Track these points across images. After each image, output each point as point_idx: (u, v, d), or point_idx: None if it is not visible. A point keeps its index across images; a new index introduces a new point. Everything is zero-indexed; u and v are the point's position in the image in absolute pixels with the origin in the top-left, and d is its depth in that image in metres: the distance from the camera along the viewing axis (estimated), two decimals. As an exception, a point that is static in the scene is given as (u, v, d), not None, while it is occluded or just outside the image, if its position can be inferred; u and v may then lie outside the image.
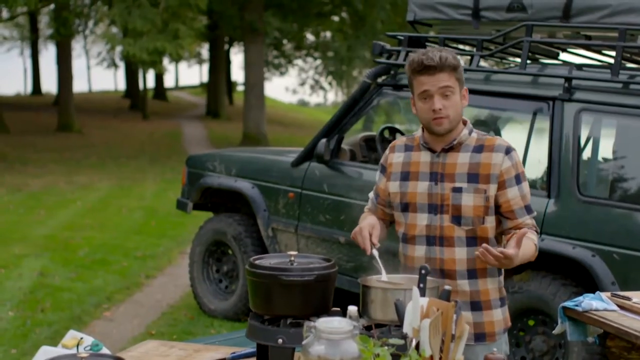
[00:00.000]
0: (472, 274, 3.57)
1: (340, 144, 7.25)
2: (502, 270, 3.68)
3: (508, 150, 3.56)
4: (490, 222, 3.57)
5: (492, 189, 3.53)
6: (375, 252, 3.50)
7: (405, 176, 3.66)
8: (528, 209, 3.61)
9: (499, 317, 3.66)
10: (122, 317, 8.39)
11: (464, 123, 3.64)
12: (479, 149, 3.58)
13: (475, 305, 3.60)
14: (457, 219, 3.54)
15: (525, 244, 3.43)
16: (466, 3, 6.62)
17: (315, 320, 2.73)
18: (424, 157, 3.64)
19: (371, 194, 3.86)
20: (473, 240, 3.55)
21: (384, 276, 3.43)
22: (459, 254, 3.57)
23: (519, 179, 3.59)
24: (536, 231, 3.63)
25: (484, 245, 3.34)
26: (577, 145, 5.84)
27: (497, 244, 3.60)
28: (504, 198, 3.55)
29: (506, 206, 3.56)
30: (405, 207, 3.65)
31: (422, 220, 3.60)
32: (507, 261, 3.32)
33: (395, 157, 3.73)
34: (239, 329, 7.06)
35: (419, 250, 3.61)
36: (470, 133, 3.62)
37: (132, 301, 9.03)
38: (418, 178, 3.62)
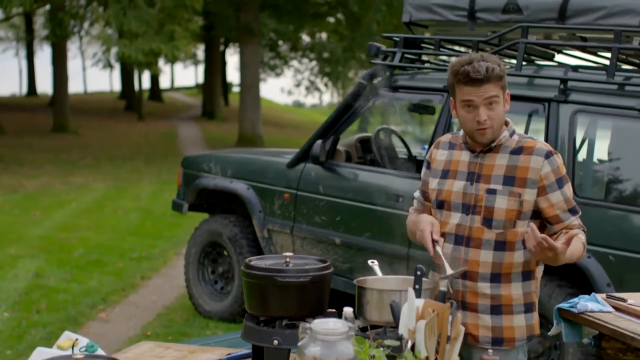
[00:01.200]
0: (496, 278, 3.51)
1: (335, 145, 7.26)
2: (535, 275, 3.60)
3: (548, 155, 3.48)
4: (522, 226, 3.49)
5: (528, 193, 3.46)
6: (439, 249, 3.45)
7: (445, 174, 3.64)
8: (572, 211, 3.54)
9: (520, 323, 3.57)
10: (118, 318, 8.38)
11: (506, 124, 3.57)
12: (518, 151, 3.51)
13: (496, 309, 3.53)
14: (488, 221, 3.49)
15: (575, 244, 3.39)
16: (462, 4, 6.63)
17: (310, 321, 2.73)
18: (464, 156, 3.61)
19: (417, 194, 3.84)
20: (502, 244, 3.49)
21: (448, 271, 3.41)
22: (484, 257, 3.50)
23: (561, 182, 3.49)
24: (584, 230, 3.57)
25: (532, 225, 3.29)
26: (572, 147, 5.84)
27: (525, 248, 3.48)
28: (546, 203, 3.48)
29: (550, 211, 3.49)
30: (441, 205, 3.62)
31: (454, 219, 3.57)
32: (551, 253, 3.27)
33: (439, 154, 3.72)
34: (234, 330, 7.06)
35: (447, 248, 3.56)
36: (511, 135, 3.56)
37: (128, 302, 9.02)
38: (456, 177, 3.60)
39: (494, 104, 3.42)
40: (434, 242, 3.46)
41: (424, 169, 3.81)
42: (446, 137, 3.77)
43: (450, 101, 3.61)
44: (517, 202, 3.45)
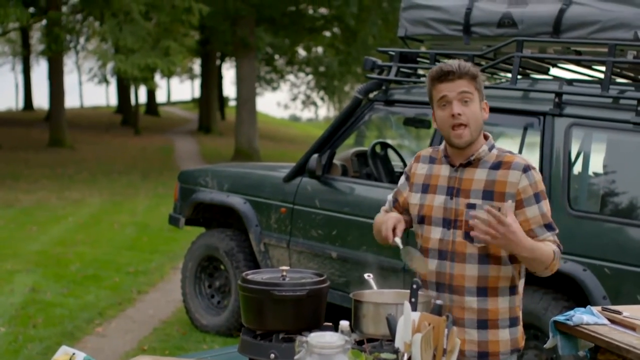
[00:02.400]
0: (482, 292, 3.51)
1: (332, 159, 7.27)
2: (518, 289, 3.61)
3: (526, 169, 3.49)
4: None
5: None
6: (398, 240, 3.49)
7: (426, 188, 3.66)
8: (549, 227, 3.52)
9: (505, 337, 3.59)
10: (114, 332, 8.37)
11: (486, 138, 3.61)
12: (496, 165, 3.53)
13: (482, 324, 3.54)
14: (470, 236, 3.46)
15: (542, 245, 3.42)
16: (457, 19, 6.65)
17: (307, 335, 2.74)
18: (444, 170, 3.62)
19: (390, 197, 3.83)
20: (485, 258, 3.50)
21: (416, 252, 3.50)
22: (470, 271, 3.50)
23: (538, 197, 3.50)
24: (559, 247, 3.53)
25: (474, 212, 3.36)
26: (567, 160, 5.86)
27: (511, 263, 3.53)
28: (522, 217, 3.47)
29: (525, 225, 3.45)
30: (422, 220, 3.63)
31: (435, 234, 3.58)
32: (504, 229, 3.26)
33: (419, 168, 3.73)
34: (231, 345, 7.03)
35: (431, 264, 3.57)
36: (490, 149, 3.59)
37: (124, 316, 9.01)
38: (436, 191, 3.61)
39: (469, 101, 3.47)
40: (394, 232, 3.52)
41: (402, 179, 3.81)
42: (427, 151, 3.78)
43: (432, 116, 3.65)
44: None
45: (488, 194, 3.49)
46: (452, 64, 3.47)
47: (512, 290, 3.58)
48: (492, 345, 3.57)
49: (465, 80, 3.47)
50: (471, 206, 3.49)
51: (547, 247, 3.45)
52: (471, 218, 3.38)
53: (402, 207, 3.76)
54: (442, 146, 3.68)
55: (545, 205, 3.52)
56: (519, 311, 3.66)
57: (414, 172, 3.73)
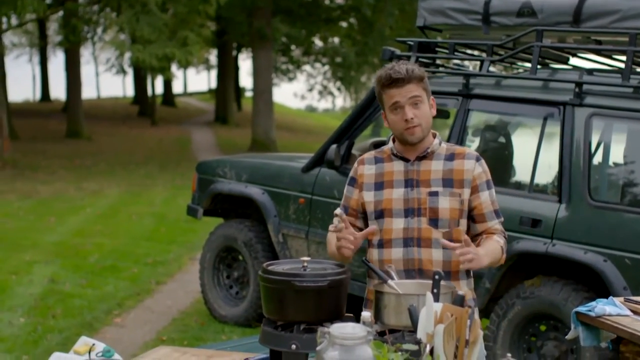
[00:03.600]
0: (447, 275, 3.64)
1: (350, 150, 7.25)
2: (471, 273, 3.79)
3: (478, 158, 3.75)
4: (463, 225, 3.72)
5: (466, 192, 3.70)
6: (339, 210, 3.68)
7: (380, 185, 3.77)
8: (497, 214, 3.78)
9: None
10: (133, 323, 8.39)
11: (434, 135, 3.78)
12: (450, 157, 3.74)
13: None
14: (434, 222, 3.67)
15: (492, 248, 3.64)
16: (476, 8, 6.62)
17: (329, 325, 2.73)
18: (397, 166, 3.76)
19: (338, 211, 3.80)
20: (449, 242, 3.60)
21: (394, 275, 3.50)
22: (436, 255, 3.67)
23: (489, 184, 3.75)
24: (504, 236, 3.78)
25: (460, 250, 3.44)
26: (588, 150, 5.83)
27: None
28: (477, 202, 3.72)
29: (478, 209, 3.73)
30: (380, 214, 3.74)
31: (398, 224, 3.70)
32: (476, 252, 3.46)
33: (366, 169, 3.84)
34: (249, 335, 7.07)
35: (396, 253, 3.69)
36: (440, 143, 3.77)
37: (143, 307, 9.04)
38: (393, 186, 3.74)
39: (419, 104, 3.64)
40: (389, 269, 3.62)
41: (347, 187, 3.90)
42: (369, 154, 3.90)
43: (382, 115, 3.81)
44: (459, 201, 3.69)
45: (448, 182, 3.70)
46: (400, 69, 3.61)
47: (468, 273, 3.77)
48: None
49: (413, 84, 3.62)
50: (434, 194, 3.67)
51: (496, 247, 3.68)
52: (433, 204, 3.66)
53: (355, 211, 3.85)
54: (388, 147, 3.82)
55: (494, 192, 3.79)
56: (474, 294, 3.86)
57: (362, 173, 3.85)
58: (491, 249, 3.63)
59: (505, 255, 3.75)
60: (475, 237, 3.76)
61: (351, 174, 3.90)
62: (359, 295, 6.52)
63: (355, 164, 3.90)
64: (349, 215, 3.85)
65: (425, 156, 3.72)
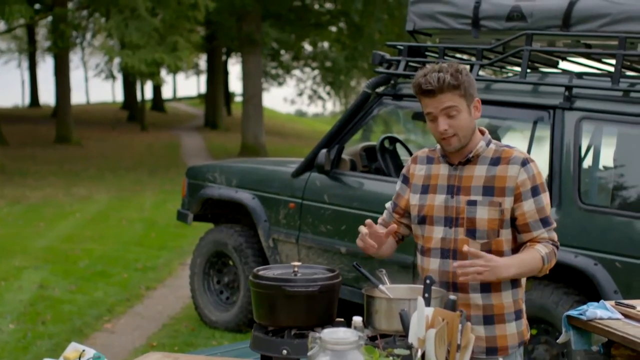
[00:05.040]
0: (486, 288, 3.52)
1: (340, 154, 7.25)
2: (521, 282, 3.64)
3: (524, 163, 3.51)
4: (506, 235, 3.53)
5: (508, 202, 3.49)
6: (389, 205, 3.59)
7: (425, 189, 3.65)
8: (544, 222, 3.54)
9: (512, 330, 3.61)
10: (123, 329, 8.37)
11: (482, 133, 3.61)
12: (496, 161, 3.54)
13: (488, 319, 3.55)
14: (471, 232, 3.50)
15: (527, 258, 3.46)
16: (466, 12, 6.62)
17: (320, 331, 2.73)
18: (443, 169, 3.62)
19: (388, 204, 3.81)
20: (488, 253, 3.45)
21: (386, 280, 3.42)
22: None
23: (536, 191, 3.52)
24: (554, 244, 3.57)
25: (458, 262, 3.37)
26: (578, 154, 5.84)
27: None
28: (519, 211, 3.51)
29: (521, 219, 3.52)
30: (423, 220, 3.63)
31: (437, 233, 3.58)
32: (484, 262, 3.32)
33: (417, 169, 3.72)
34: (240, 341, 7.06)
35: (434, 263, 3.57)
36: (488, 144, 3.59)
37: (133, 313, 9.01)
38: (436, 191, 3.61)
39: (455, 114, 3.45)
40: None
41: (399, 183, 3.80)
42: (423, 152, 3.77)
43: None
44: (498, 211, 3.49)
45: (488, 190, 3.51)
46: (431, 80, 3.41)
47: (514, 283, 3.60)
48: (501, 340, 3.58)
49: (447, 94, 3.43)
50: (472, 203, 3.50)
51: (534, 256, 3.47)
52: (471, 214, 3.48)
53: (403, 211, 3.76)
54: (438, 146, 3.67)
55: (545, 198, 3.54)
56: (523, 303, 3.69)
57: (413, 172, 3.73)
58: (525, 259, 3.46)
59: (549, 265, 3.53)
60: (520, 246, 3.58)
61: (404, 171, 3.78)
62: (350, 300, 6.53)
63: (409, 161, 3.77)
64: (396, 212, 3.76)
65: (469, 160, 3.57)
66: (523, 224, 3.52)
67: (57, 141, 29.87)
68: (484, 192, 3.51)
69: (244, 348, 3.89)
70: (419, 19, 6.96)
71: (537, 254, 3.47)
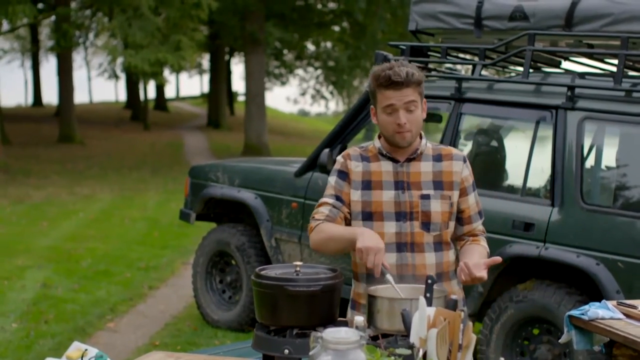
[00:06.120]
0: (439, 277, 3.66)
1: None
2: (456, 271, 3.74)
3: (465, 159, 3.77)
4: (451, 227, 3.74)
5: (455, 195, 3.71)
6: (390, 278, 3.41)
7: (367, 185, 3.69)
8: (480, 214, 3.85)
9: (456, 287, 3.80)
10: (126, 328, 8.38)
11: (420, 136, 3.74)
12: (438, 157, 3.73)
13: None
14: (426, 225, 3.65)
15: (482, 254, 3.70)
16: (468, 12, 6.62)
17: (321, 330, 2.73)
18: (385, 166, 3.69)
19: (330, 200, 3.75)
20: (439, 245, 3.68)
21: (391, 281, 3.41)
22: (429, 259, 3.66)
23: (474, 186, 3.81)
24: (484, 233, 3.88)
25: (465, 263, 3.50)
26: (580, 154, 5.84)
27: (452, 247, 3.79)
28: (464, 205, 3.77)
29: (466, 212, 3.78)
30: (369, 216, 3.67)
31: (390, 228, 3.64)
32: (477, 281, 3.51)
33: (353, 165, 3.74)
34: (243, 340, 7.06)
35: (390, 258, 3.60)
36: (426, 143, 3.75)
37: (136, 312, 9.02)
38: (382, 187, 3.67)
39: (414, 109, 3.59)
40: (385, 267, 3.44)
41: (335, 178, 3.76)
42: (354, 151, 3.80)
43: (370, 109, 3.73)
44: (449, 204, 3.69)
45: (438, 184, 3.68)
46: (400, 72, 3.53)
47: (455, 272, 3.74)
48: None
49: (411, 89, 3.56)
50: (425, 197, 3.65)
51: (484, 252, 3.76)
52: (425, 207, 3.64)
53: (348, 205, 3.74)
54: (374, 145, 3.75)
55: (477, 192, 3.85)
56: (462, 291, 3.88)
57: (351, 169, 3.74)
58: (482, 257, 3.67)
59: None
60: (459, 237, 3.82)
61: (339, 167, 3.77)
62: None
63: (341, 158, 3.78)
64: (345, 207, 3.71)
65: (414, 157, 3.69)
66: (467, 216, 3.79)
67: (60, 140, 29.88)
68: (435, 187, 3.68)
69: (246, 347, 3.90)
70: (421, 19, 6.96)
71: (484, 251, 3.77)
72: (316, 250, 3.79)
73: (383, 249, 3.42)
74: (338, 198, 3.74)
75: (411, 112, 3.57)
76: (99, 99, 72.29)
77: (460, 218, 3.77)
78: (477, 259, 3.58)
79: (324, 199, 3.79)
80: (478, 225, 3.82)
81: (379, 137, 3.74)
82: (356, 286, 3.82)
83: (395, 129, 3.59)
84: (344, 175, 3.75)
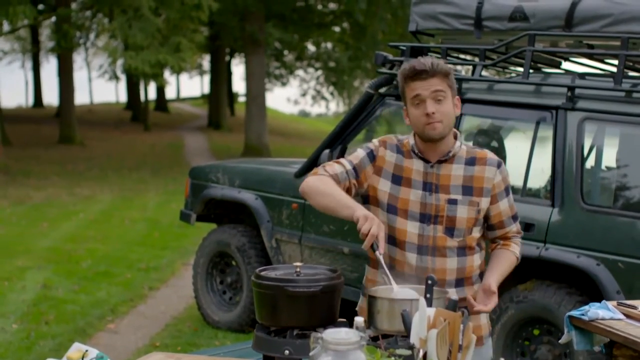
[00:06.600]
0: (460, 282, 3.61)
1: (343, 155, 7.23)
2: (482, 274, 3.73)
3: (499, 164, 3.65)
4: (477, 232, 3.64)
5: (484, 202, 3.61)
6: (380, 256, 3.37)
7: (398, 180, 3.63)
8: (515, 217, 3.76)
9: (484, 321, 3.74)
10: (126, 329, 8.38)
11: (455, 136, 3.65)
12: (471, 161, 3.62)
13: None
14: (450, 231, 3.57)
15: (505, 266, 3.69)
16: (468, 13, 6.62)
17: (322, 331, 2.73)
18: (417, 165, 3.62)
19: (348, 166, 3.66)
20: (462, 250, 3.60)
21: (394, 285, 3.41)
22: (450, 264, 3.59)
23: (508, 190, 3.70)
24: (519, 234, 3.80)
25: (475, 309, 3.53)
26: (580, 154, 5.84)
27: (480, 250, 3.70)
28: (495, 211, 3.67)
29: (497, 218, 3.69)
30: (394, 211, 3.61)
31: (413, 228, 3.58)
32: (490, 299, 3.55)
33: (387, 155, 3.68)
34: (243, 341, 7.06)
35: (410, 258, 3.59)
36: (461, 145, 3.66)
37: (136, 313, 9.02)
38: (411, 185, 3.60)
39: (442, 99, 3.50)
40: (377, 242, 3.38)
41: (364, 154, 3.68)
42: (391, 140, 3.72)
43: (403, 111, 3.66)
44: (476, 210, 3.59)
45: (467, 190, 3.59)
46: (425, 62, 3.49)
47: (481, 275, 3.70)
48: (476, 330, 3.59)
49: (438, 79, 3.49)
50: (452, 202, 3.56)
51: (510, 260, 3.73)
52: (452, 213, 3.55)
53: (359, 184, 3.67)
54: (409, 141, 3.67)
55: (512, 196, 3.74)
56: None
57: (383, 156, 3.67)
58: (504, 270, 3.69)
59: (520, 256, 3.79)
60: (491, 240, 3.78)
61: (372, 148, 3.69)
62: (353, 300, 6.53)
63: (377, 142, 3.71)
64: (358, 182, 3.64)
65: (446, 160, 3.60)
66: (498, 221, 3.70)
67: (61, 141, 29.88)
68: (464, 192, 3.58)
69: (247, 348, 3.89)
70: (421, 20, 6.96)
71: (513, 257, 3.74)
72: (302, 194, 3.64)
73: (384, 229, 3.41)
74: (355, 170, 3.67)
75: (439, 102, 3.49)
76: (99, 100, 72.31)
77: (491, 224, 3.70)
78: (495, 276, 3.61)
79: (342, 160, 3.71)
80: (512, 228, 3.74)
81: (414, 135, 3.65)
82: (371, 273, 3.78)
83: (424, 121, 3.50)
84: (372, 157, 3.68)
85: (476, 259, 3.67)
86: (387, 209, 3.63)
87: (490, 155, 3.66)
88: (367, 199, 3.71)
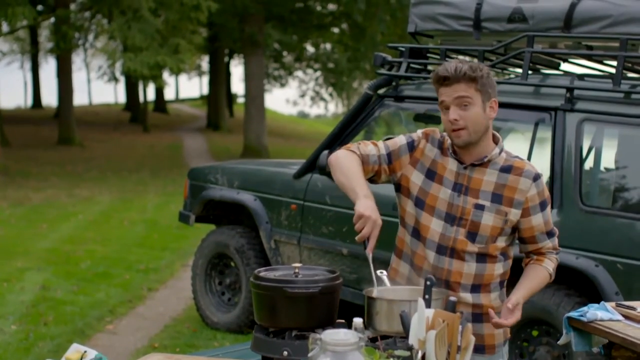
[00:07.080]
0: (476, 288, 3.55)
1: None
2: (505, 283, 3.66)
3: (536, 177, 3.52)
4: (501, 241, 3.54)
5: (514, 214, 3.50)
6: (369, 255, 3.37)
7: (431, 175, 3.57)
8: (550, 234, 3.61)
9: (499, 330, 3.62)
10: (125, 330, 8.37)
11: (496, 141, 3.59)
12: (507, 169, 3.53)
13: (477, 317, 3.55)
14: (472, 236, 3.50)
15: (535, 282, 3.58)
16: (467, 14, 6.62)
17: (320, 332, 2.73)
18: (451, 164, 3.55)
19: (383, 151, 3.63)
20: (483, 257, 3.52)
21: (386, 282, 3.41)
22: (467, 269, 3.52)
23: (543, 205, 3.55)
24: (555, 250, 3.66)
25: (493, 321, 3.44)
26: (579, 156, 5.84)
27: (504, 260, 3.61)
28: (527, 225, 3.54)
29: (529, 232, 3.56)
30: (421, 205, 3.56)
31: (437, 226, 3.53)
32: (511, 314, 3.45)
33: (427, 148, 3.61)
34: (242, 342, 7.06)
35: (429, 255, 3.55)
36: (500, 152, 3.57)
37: (135, 314, 9.02)
38: (442, 183, 3.54)
39: (468, 105, 3.41)
40: (368, 242, 3.38)
41: (405, 143, 3.64)
42: (435, 133, 3.66)
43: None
44: (503, 220, 3.49)
45: (497, 197, 3.50)
46: (449, 67, 3.41)
47: (502, 284, 3.64)
48: (488, 338, 3.60)
49: (462, 84, 3.40)
50: (479, 207, 3.48)
51: (542, 277, 3.61)
52: (476, 218, 3.47)
53: (391, 171, 3.64)
54: (448, 139, 3.61)
55: (549, 211, 3.59)
56: None
57: (423, 149, 3.62)
58: (533, 287, 3.57)
59: (554, 273, 3.65)
60: (526, 254, 3.67)
61: (415, 137, 3.64)
62: (351, 302, 6.54)
63: (421, 133, 3.65)
64: (390, 169, 3.61)
65: (480, 164, 3.52)
66: (530, 236, 3.57)
67: (60, 142, 29.88)
68: (493, 199, 3.49)
69: (245, 349, 3.89)
70: (420, 21, 6.97)
71: (545, 273, 3.61)
72: (328, 164, 3.64)
73: (380, 226, 3.35)
74: (389, 156, 3.63)
75: (465, 108, 3.40)
76: (98, 101, 72.34)
77: (522, 237, 3.59)
78: (522, 292, 3.51)
79: (380, 143, 3.67)
80: (546, 244, 3.60)
81: None
82: (395, 263, 3.76)
83: (449, 127, 3.44)
84: (411, 147, 3.63)
85: (497, 268, 3.58)
86: (415, 202, 3.59)
87: (529, 167, 3.55)
88: (399, 187, 3.66)
